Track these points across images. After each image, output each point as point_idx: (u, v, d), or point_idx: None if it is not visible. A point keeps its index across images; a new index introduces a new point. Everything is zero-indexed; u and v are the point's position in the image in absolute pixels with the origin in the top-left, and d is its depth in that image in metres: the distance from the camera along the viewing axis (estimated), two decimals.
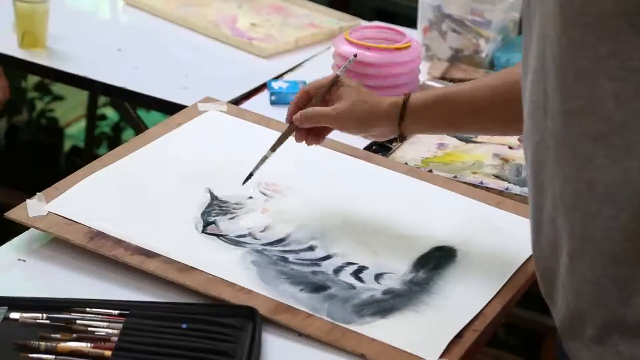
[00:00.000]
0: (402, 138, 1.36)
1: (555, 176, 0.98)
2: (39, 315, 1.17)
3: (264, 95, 1.85)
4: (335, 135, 1.59)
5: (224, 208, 1.39)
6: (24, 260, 1.29)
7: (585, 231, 0.96)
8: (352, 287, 1.27)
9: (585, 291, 0.98)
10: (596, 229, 0.95)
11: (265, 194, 1.43)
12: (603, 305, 0.97)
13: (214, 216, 1.37)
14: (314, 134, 1.37)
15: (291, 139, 1.38)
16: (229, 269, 1.27)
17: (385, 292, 1.26)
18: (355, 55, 1.47)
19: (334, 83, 1.35)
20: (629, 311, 0.96)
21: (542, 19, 0.96)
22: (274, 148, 1.38)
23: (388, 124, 1.33)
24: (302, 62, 2.00)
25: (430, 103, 1.33)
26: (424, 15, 2.01)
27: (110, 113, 3.24)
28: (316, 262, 1.31)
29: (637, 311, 0.95)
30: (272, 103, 1.82)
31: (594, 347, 0.99)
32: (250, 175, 1.38)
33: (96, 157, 1.54)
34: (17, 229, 1.33)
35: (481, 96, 1.31)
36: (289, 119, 1.36)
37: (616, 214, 0.94)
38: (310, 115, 1.34)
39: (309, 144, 1.38)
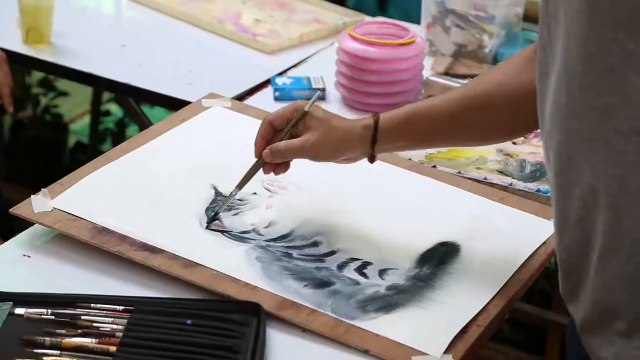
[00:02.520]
0: (372, 158, 1.32)
1: (583, 174, 0.98)
2: (44, 310, 1.17)
3: (268, 91, 1.85)
4: None
5: (228, 204, 1.39)
6: (29, 256, 1.29)
7: (619, 227, 0.96)
8: (356, 282, 1.27)
9: (617, 286, 0.99)
10: (631, 223, 0.95)
11: (269, 190, 1.43)
12: (636, 300, 0.98)
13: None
14: (282, 163, 1.33)
15: None
16: (234, 264, 1.27)
17: (389, 288, 1.27)
18: (323, 89, 1.41)
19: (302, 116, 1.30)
20: None
21: (566, 17, 0.96)
22: (240, 185, 1.34)
23: (361, 147, 1.30)
24: (306, 58, 2.00)
25: (402, 122, 1.29)
26: (427, 10, 2.01)
27: (115, 109, 3.25)
28: (320, 257, 1.31)
29: None
30: (276, 99, 1.82)
31: (619, 340, 0.99)
32: (216, 214, 1.34)
33: (100, 152, 1.54)
34: (22, 224, 1.34)
35: (455, 108, 1.27)
36: (258, 154, 1.32)
37: None
38: (282, 151, 1.30)
39: (277, 174, 1.34)
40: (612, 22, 0.91)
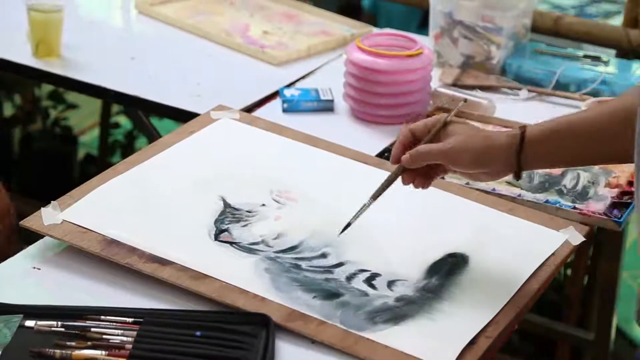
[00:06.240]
0: (518, 175, 1.24)
1: None
2: (54, 323, 1.17)
3: (277, 103, 1.86)
4: (346, 142, 1.60)
5: (237, 216, 1.39)
6: (39, 269, 1.30)
7: None
8: (365, 294, 1.27)
9: None
10: None
11: (278, 202, 1.44)
12: None
13: (227, 224, 1.37)
14: (421, 175, 1.29)
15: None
16: (243, 276, 1.27)
17: (398, 299, 1.27)
18: (465, 100, 1.38)
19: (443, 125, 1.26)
20: None
21: None
22: (375, 196, 1.30)
23: (505, 157, 1.23)
24: (314, 70, 2.01)
25: (550, 132, 1.22)
26: (435, 21, 2.02)
27: (124, 121, 3.26)
28: (329, 269, 1.31)
29: None
30: (285, 111, 1.83)
31: None
32: (348, 224, 1.32)
33: (110, 165, 1.54)
34: (32, 237, 1.34)
35: (606, 122, 1.20)
36: (395, 161, 1.28)
37: None
38: (421, 153, 1.25)
39: (416, 186, 1.29)
40: None
